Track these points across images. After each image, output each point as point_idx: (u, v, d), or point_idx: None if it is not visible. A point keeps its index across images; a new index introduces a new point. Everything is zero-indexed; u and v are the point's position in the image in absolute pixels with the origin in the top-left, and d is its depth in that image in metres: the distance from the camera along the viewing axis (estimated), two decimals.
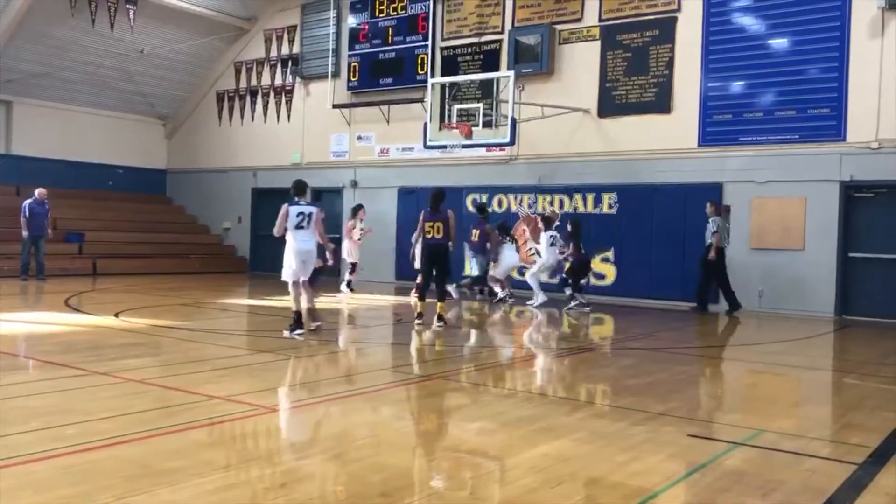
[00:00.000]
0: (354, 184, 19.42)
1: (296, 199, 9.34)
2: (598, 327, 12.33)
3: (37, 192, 16.47)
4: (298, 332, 9.11)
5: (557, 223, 14.77)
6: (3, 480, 3.69)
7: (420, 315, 10.52)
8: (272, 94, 21.31)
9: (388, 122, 18.73)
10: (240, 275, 20.65)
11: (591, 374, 7.89)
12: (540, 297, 13.93)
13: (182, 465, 4.09)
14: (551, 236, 14.02)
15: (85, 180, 21.43)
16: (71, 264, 18.08)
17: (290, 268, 9.22)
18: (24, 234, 16.01)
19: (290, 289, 9.32)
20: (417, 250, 11.56)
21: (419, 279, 11.51)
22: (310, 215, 9.23)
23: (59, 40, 19.19)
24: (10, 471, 3.85)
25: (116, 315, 10.60)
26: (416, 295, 11.07)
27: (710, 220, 13.46)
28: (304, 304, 9.40)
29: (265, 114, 21.47)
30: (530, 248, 15.81)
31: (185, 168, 23.35)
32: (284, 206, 9.23)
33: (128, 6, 18.95)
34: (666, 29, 15.06)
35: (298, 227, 9.17)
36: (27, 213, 16.11)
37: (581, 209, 15.63)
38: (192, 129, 23.24)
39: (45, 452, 4.21)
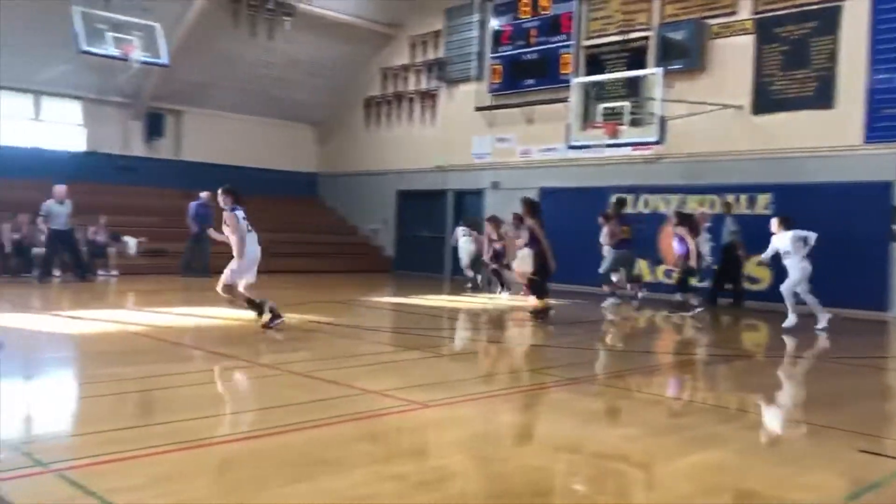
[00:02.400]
0: (495, 185, 19.54)
1: (236, 205, 9.30)
2: (753, 334, 11.78)
3: (202, 194, 17.68)
4: (278, 321, 9.14)
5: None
6: (177, 463, 4.00)
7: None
8: (416, 99, 21.81)
9: (529, 123, 18.73)
10: (385, 274, 21.27)
11: (745, 383, 7.56)
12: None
13: (341, 455, 4.28)
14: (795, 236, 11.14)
15: (244, 184, 22.70)
16: (228, 262, 19.23)
17: (241, 271, 9.17)
18: (194, 230, 17.30)
19: (228, 293, 9.19)
20: (523, 253, 11.71)
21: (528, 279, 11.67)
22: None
23: (223, 52, 20.48)
24: (185, 454, 4.16)
25: None
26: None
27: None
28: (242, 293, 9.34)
29: (410, 118, 22.01)
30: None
31: (334, 171, 24.33)
32: (233, 214, 9.19)
33: (284, 17, 19.99)
34: (828, 19, 14.17)
35: (248, 231, 9.26)
36: (192, 214, 17.38)
37: (733, 210, 14.97)
38: (342, 133, 24.18)
39: (215, 438, 4.53)
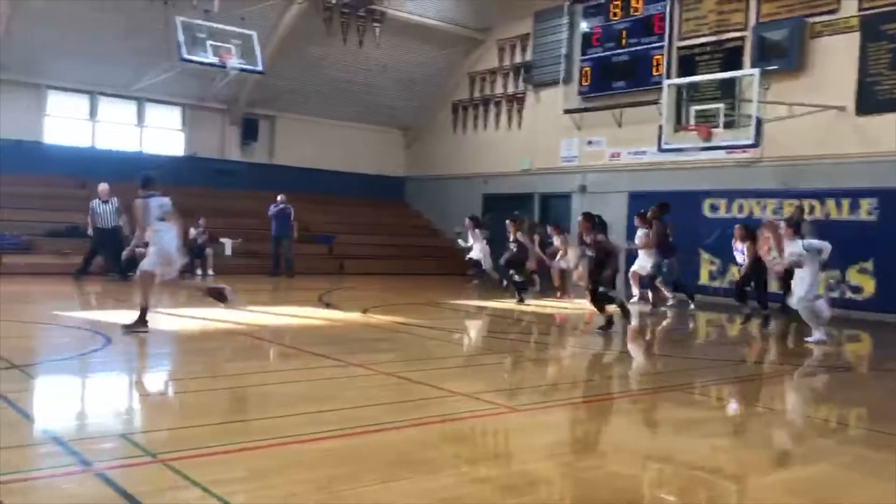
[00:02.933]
0: (583, 189, 19.33)
1: (150, 192, 8.37)
2: (854, 345, 11.27)
3: (278, 197, 18.26)
4: (140, 329, 8.17)
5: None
6: (274, 458, 4.12)
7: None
8: (504, 103, 21.81)
9: (619, 125, 18.45)
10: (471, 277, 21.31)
11: (847, 396, 7.24)
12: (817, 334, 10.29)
13: (431, 456, 4.33)
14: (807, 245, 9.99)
15: (333, 187, 23.22)
16: (321, 264, 19.72)
17: (157, 264, 8.28)
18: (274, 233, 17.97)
19: (143, 281, 8.31)
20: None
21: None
22: (170, 206, 8.39)
23: (315, 59, 20.99)
24: (280, 449, 4.29)
25: (364, 311, 11.41)
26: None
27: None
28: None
29: (497, 122, 22.03)
30: (774, 258, 14.78)
31: (421, 175, 24.58)
32: (139, 202, 8.33)
33: (374, 24, 20.35)
34: None
35: (161, 219, 8.31)
36: (271, 217, 18.11)
37: (834, 215, 14.37)
38: (429, 137, 24.41)
39: (310, 435, 4.64)
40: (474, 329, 11.48)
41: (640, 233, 14.25)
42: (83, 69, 19.15)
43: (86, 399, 5.74)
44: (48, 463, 3.89)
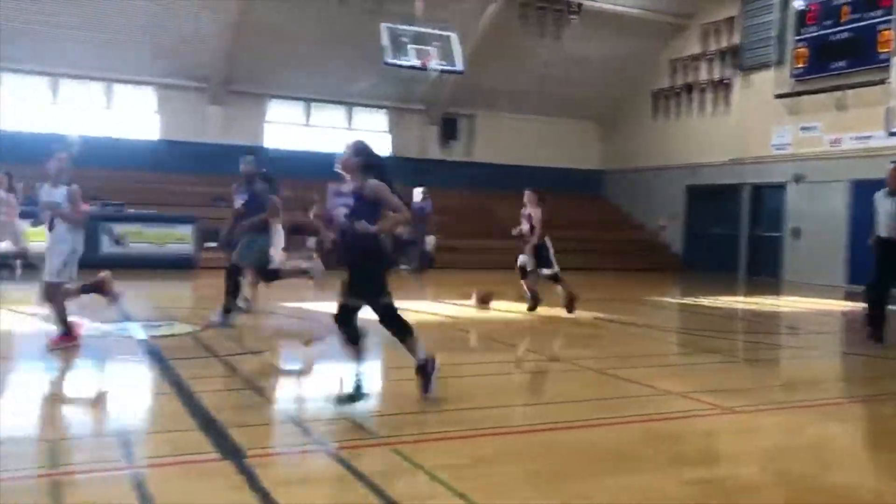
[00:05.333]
0: (798, 178, 18.04)
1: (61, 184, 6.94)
2: None
3: (417, 191, 18.49)
4: (68, 342, 6.76)
5: None
6: (491, 447, 4.23)
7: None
8: (708, 89, 20.85)
9: (840, 109, 17.01)
10: (673, 272, 20.60)
11: None
12: None
13: (638, 454, 4.26)
14: None
15: (530, 182, 23.29)
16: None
17: (63, 266, 6.74)
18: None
19: (56, 296, 6.71)
20: None
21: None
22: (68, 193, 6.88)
23: (512, 56, 21.18)
24: (494, 439, 4.39)
25: (564, 307, 11.37)
26: None
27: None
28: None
29: (701, 109, 21.10)
30: None
31: (619, 167, 24.09)
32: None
33: (571, 16, 20.20)
34: None
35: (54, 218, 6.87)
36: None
37: None
38: (627, 128, 23.86)
39: (522, 426, 4.72)
40: (681, 326, 11.10)
41: None
42: (300, 78, 20.63)
43: (314, 383, 6.21)
44: (289, 441, 4.26)
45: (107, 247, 15.68)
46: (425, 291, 14.62)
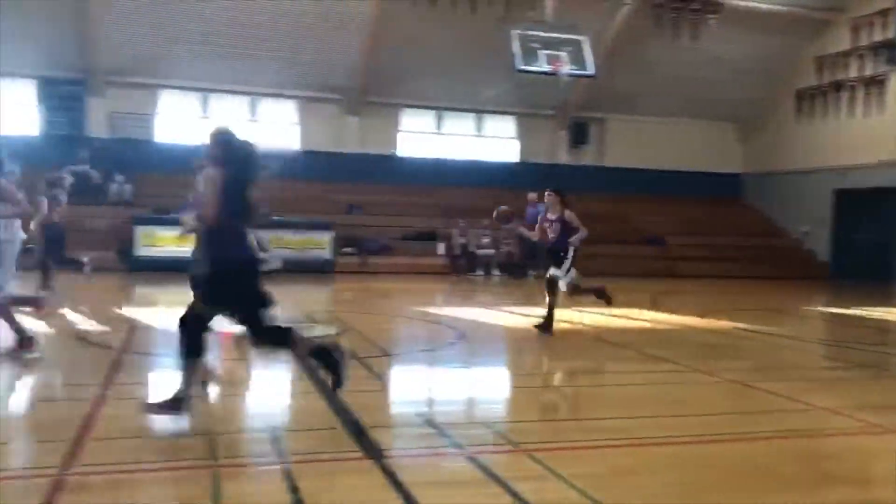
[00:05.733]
0: None
1: None
2: None
3: (530, 196, 18.15)
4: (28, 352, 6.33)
5: None
6: (630, 458, 4.17)
7: None
8: (859, 86, 19.62)
9: None
10: (819, 281, 19.50)
11: None
12: None
13: (791, 471, 4.07)
14: None
15: (665, 187, 22.74)
16: (651, 266, 19.42)
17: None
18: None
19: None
20: None
21: None
22: None
23: (645, 58, 20.75)
24: (634, 450, 4.31)
25: (701, 316, 11.02)
26: None
27: None
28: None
29: (850, 108, 19.88)
30: None
31: (760, 170, 23.06)
32: None
33: (709, 16, 19.54)
34: None
35: None
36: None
37: None
38: (768, 130, 22.82)
39: (661, 438, 4.61)
40: (829, 338, 10.49)
41: None
42: (432, 88, 21.04)
43: (449, 387, 6.32)
44: (426, 443, 4.36)
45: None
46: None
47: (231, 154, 4.51)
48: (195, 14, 18.30)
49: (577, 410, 5.12)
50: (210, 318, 4.58)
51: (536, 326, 8.65)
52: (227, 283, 4.45)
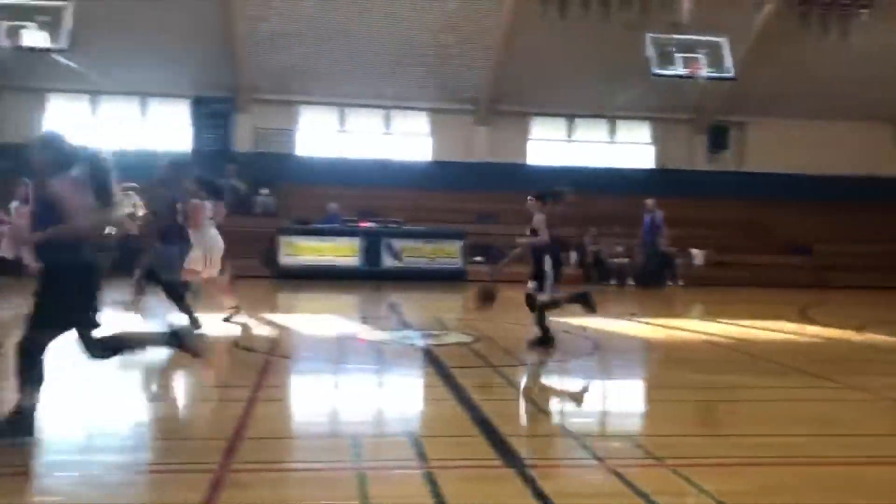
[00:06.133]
0: None
1: None
2: None
3: (647, 201, 17.54)
4: None
5: None
6: (783, 476, 3.95)
7: None
8: None
9: None
10: None
11: None
12: None
13: None
14: None
15: (811, 192, 21.54)
16: (797, 275, 18.42)
17: None
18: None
19: None
20: None
21: None
22: None
23: (790, 58, 19.76)
24: (787, 469, 4.09)
25: (858, 329, 10.34)
26: None
27: None
28: None
29: None
30: None
31: None
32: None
33: (860, 10, 18.41)
34: None
35: None
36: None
37: None
38: None
39: (807, 458, 4.36)
40: None
41: None
42: (563, 95, 20.93)
43: (586, 398, 6.23)
44: (565, 454, 4.33)
45: (387, 261, 17.02)
46: (694, 309, 14.07)
47: (78, 154, 4.28)
48: (339, 32, 19.07)
49: (720, 425, 4.92)
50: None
51: (532, 343, 7.78)
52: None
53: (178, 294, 8.04)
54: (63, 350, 4.39)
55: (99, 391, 5.61)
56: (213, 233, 8.49)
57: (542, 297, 7.75)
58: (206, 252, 8.36)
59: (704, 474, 3.92)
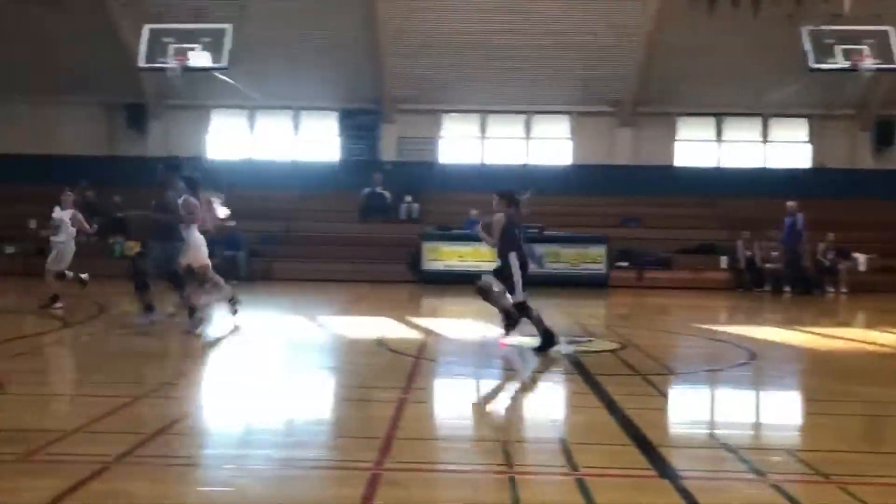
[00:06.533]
0: None
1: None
2: None
3: (789, 204, 16.42)
4: None
5: None
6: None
7: None
8: None
9: None
10: None
11: None
12: None
13: None
14: None
15: None
16: None
17: None
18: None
19: None
20: None
21: None
22: None
23: None
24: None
25: None
26: None
27: None
28: None
29: None
30: None
31: None
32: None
33: None
34: None
35: None
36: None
37: None
38: None
39: None
40: None
41: None
42: (711, 94, 20.17)
43: (742, 410, 5.97)
44: (723, 466, 4.17)
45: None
46: (857, 318, 13.18)
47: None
48: (480, 41, 19.30)
49: (888, 442, 4.58)
50: None
51: (535, 350, 7.53)
52: None
53: (181, 283, 8.63)
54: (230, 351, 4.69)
55: (260, 389, 5.95)
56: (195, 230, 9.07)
57: (518, 298, 7.70)
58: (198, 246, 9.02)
59: (879, 493, 3.67)
